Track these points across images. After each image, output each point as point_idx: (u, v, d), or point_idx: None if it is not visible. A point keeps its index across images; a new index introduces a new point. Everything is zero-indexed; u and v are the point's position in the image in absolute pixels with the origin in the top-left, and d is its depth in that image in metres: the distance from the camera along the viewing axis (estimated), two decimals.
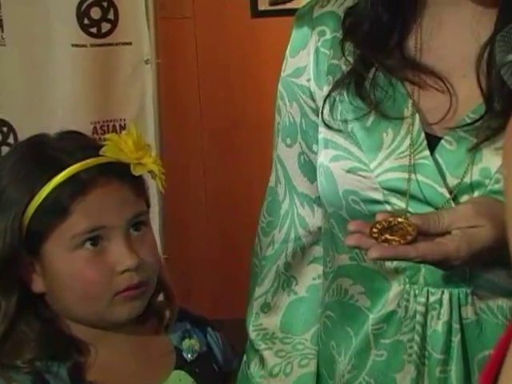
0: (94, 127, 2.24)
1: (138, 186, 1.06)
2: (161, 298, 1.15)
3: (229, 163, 3.00)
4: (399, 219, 0.87)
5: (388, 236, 0.85)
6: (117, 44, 2.21)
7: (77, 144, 1.07)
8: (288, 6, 2.92)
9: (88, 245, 1.02)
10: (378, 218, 0.88)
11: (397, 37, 0.97)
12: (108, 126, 2.24)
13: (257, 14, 2.99)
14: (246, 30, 2.96)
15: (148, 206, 1.10)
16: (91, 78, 2.18)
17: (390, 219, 0.87)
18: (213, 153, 3.01)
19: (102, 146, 1.04)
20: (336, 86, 0.98)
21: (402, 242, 0.84)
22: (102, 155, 1.03)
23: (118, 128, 2.26)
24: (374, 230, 0.86)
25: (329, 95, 0.99)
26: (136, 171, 1.04)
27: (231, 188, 2.99)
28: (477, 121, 0.91)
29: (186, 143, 2.97)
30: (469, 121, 0.92)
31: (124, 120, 2.25)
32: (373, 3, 0.96)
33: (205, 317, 1.21)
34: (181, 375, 1.10)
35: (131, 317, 1.06)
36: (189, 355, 1.12)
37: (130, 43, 2.22)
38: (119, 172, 1.03)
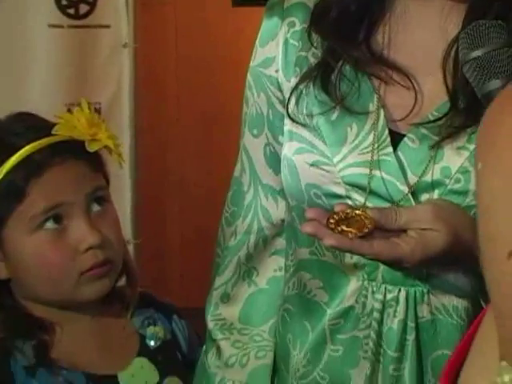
0: (68, 109, 2.22)
1: (94, 161, 1.06)
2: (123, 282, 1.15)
3: (206, 151, 3.00)
4: (357, 211, 0.87)
5: (344, 227, 0.85)
6: (95, 26, 2.19)
7: (28, 125, 1.06)
8: None
9: (48, 225, 1.01)
10: (336, 209, 0.88)
11: (365, 30, 0.97)
12: (91, 107, 2.23)
13: (238, 2, 2.98)
14: (226, 18, 2.95)
15: (107, 182, 1.10)
16: (67, 59, 2.16)
17: (348, 211, 0.87)
18: (190, 140, 3.00)
19: (55, 125, 1.04)
20: (303, 78, 0.98)
21: (358, 234, 0.84)
22: (54, 134, 1.02)
23: (92, 111, 2.24)
24: (331, 220, 0.86)
25: (295, 88, 0.98)
26: (91, 147, 1.03)
27: (207, 179, 2.99)
28: (440, 119, 0.91)
29: (163, 129, 2.96)
30: (432, 118, 0.92)
31: (99, 103, 2.23)
32: None
33: (171, 304, 1.20)
34: (143, 362, 1.09)
35: (100, 296, 1.05)
36: (152, 342, 1.11)
37: (108, 26, 2.20)
38: (74, 150, 1.03)
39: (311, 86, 0.97)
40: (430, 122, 0.92)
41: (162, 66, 2.92)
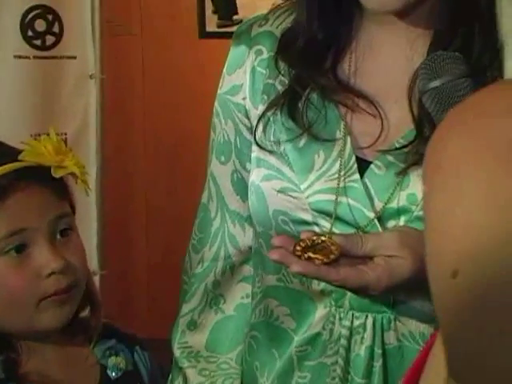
0: (34, 139, 2.22)
1: (60, 189, 1.05)
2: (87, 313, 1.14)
3: (172, 182, 2.99)
4: (323, 238, 0.87)
5: (311, 254, 0.85)
6: (61, 57, 2.19)
7: None
8: (235, 29, 2.94)
9: (12, 252, 1.01)
10: (302, 236, 0.88)
11: (331, 58, 0.98)
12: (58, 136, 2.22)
13: (204, 34, 3.00)
14: (192, 50, 2.97)
15: (73, 210, 1.09)
16: (33, 90, 2.16)
17: (314, 238, 0.87)
18: (156, 171, 3.00)
19: (21, 151, 1.03)
20: (270, 106, 0.99)
21: (324, 260, 0.85)
22: (20, 160, 1.02)
23: None
24: (298, 247, 0.86)
25: (263, 115, 0.99)
26: (56, 173, 1.02)
27: (174, 207, 2.98)
28: (405, 146, 0.92)
29: (130, 160, 2.95)
30: (398, 146, 0.93)
31: (65, 134, 2.23)
32: (309, 19, 0.96)
33: (134, 335, 1.19)
34: None
35: (60, 323, 1.04)
36: (113, 373, 1.10)
37: (74, 57, 2.20)
38: (39, 176, 1.02)
39: (278, 113, 0.98)
40: (396, 149, 0.93)
41: (129, 97, 2.93)
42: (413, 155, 0.91)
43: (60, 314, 1.03)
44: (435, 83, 0.84)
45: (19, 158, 1.02)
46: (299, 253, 0.86)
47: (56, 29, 2.14)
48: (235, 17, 3.02)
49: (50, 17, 2.13)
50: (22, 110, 2.13)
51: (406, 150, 0.93)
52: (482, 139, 0.42)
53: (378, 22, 0.96)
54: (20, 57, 2.10)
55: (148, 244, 3.00)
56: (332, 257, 0.85)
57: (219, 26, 3.02)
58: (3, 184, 1.00)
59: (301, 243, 0.87)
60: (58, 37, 2.15)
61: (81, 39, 2.20)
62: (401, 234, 0.88)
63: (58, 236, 1.04)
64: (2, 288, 1.00)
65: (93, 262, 2.22)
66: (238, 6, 3.02)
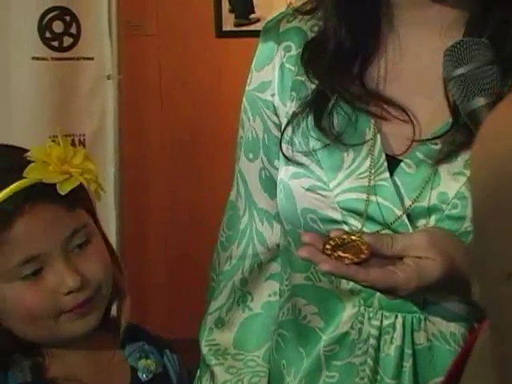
0: (53, 141, 2.22)
1: (69, 200, 1.01)
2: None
3: (189, 180, 2.99)
4: (353, 237, 0.86)
5: (341, 253, 0.84)
6: (78, 58, 2.19)
7: None
8: (252, 27, 2.94)
9: (28, 275, 0.99)
10: (332, 234, 0.87)
11: (359, 65, 0.96)
12: (66, 140, 2.22)
13: (221, 34, 3.00)
14: (209, 49, 2.96)
15: (92, 212, 1.06)
16: (51, 91, 2.16)
17: (344, 236, 0.86)
18: (174, 170, 2.99)
19: (26, 162, 0.99)
20: (299, 110, 0.97)
21: (354, 260, 0.83)
22: (24, 177, 0.97)
23: (76, 143, 2.24)
24: (327, 246, 0.85)
25: (292, 118, 0.97)
26: (62, 190, 0.98)
27: (192, 205, 2.98)
28: (439, 137, 0.91)
29: (147, 160, 2.95)
30: (431, 146, 0.92)
31: (84, 135, 2.23)
32: (337, 25, 0.95)
33: (164, 338, 1.18)
34: None
35: (86, 331, 1.03)
36: (144, 375, 1.09)
37: (91, 58, 2.20)
38: (45, 193, 0.98)
39: (305, 123, 0.97)
40: (429, 139, 0.91)
41: (146, 97, 2.93)
42: (447, 146, 0.90)
43: (83, 324, 1.02)
44: (460, 70, 0.82)
45: (23, 174, 0.97)
46: (329, 251, 0.85)
47: (73, 30, 2.13)
48: (252, 15, 3.01)
49: (67, 18, 2.12)
50: (40, 111, 2.13)
51: (439, 141, 0.91)
52: None
53: (407, 19, 0.95)
54: (38, 58, 2.10)
55: (166, 244, 3.00)
56: (362, 256, 0.84)
57: (236, 25, 3.01)
58: (9, 209, 0.96)
59: (330, 242, 0.86)
60: (76, 38, 2.14)
61: (98, 40, 2.20)
62: (430, 235, 0.87)
63: (76, 249, 1.01)
64: (19, 307, 0.99)
65: None
66: (254, 4, 3.02)
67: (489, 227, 0.41)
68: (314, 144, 0.96)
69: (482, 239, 0.43)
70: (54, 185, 0.98)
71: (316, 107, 0.96)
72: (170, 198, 3.03)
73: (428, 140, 0.92)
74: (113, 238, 2.30)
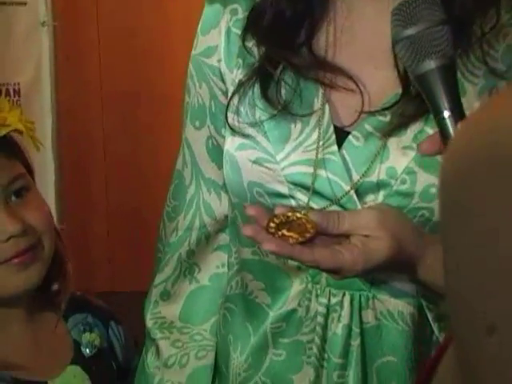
0: None
1: (8, 149, 1.00)
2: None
3: (130, 129, 2.92)
4: (298, 214, 0.82)
5: (285, 232, 0.81)
6: (11, 3, 2.10)
7: None
8: None
9: None
10: (277, 211, 0.83)
11: (304, 34, 0.92)
12: (0, 90, 2.14)
13: None
14: None
15: (29, 168, 1.04)
16: None
17: (289, 214, 0.83)
18: (113, 120, 2.92)
19: None
20: (239, 86, 0.94)
21: (299, 239, 0.80)
22: None
23: (11, 92, 2.17)
24: (272, 224, 0.81)
25: (237, 89, 0.94)
26: None
27: (132, 157, 2.92)
28: (388, 108, 0.88)
29: (86, 110, 2.87)
30: (380, 118, 0.89)
31: (18, 84, 2.15)
32: None
33: (108, 308, 1.15)
34: (76, 371, 1.05)
35: (29, 285, 1.00)
36: (87, 350, 1.07)
37: (24, 3, 2.12)
38: None
39: (250, 93, 0.93)
40: (377, 111, 0.88)
41: (83, 44, 2.82)
42: (396, 118, 0.87)
43: (25, 277, 0.99)
44: (409, 31, 0.77)
45: None
46: (273, 229, 0.81)
47: None
48: None
49: None
50: None
51: (388, 113, 0.88)
52: None
53: None
54: None
55: (107, 194, 2.95)
56: (307, 235, 0.81)
57: None
58: None
59: (275, 219, 0.82)
60: None
61: None
62: (378, 213, 0.83)
63: (14, 198, 0.99)
64: None
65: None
66: None
67: (464, 278, 0.38)
68: (260, 114, 0.92)
69: (455, 291, 0.39)
70: None
71: (262, 76, 0.92)
72: (110, 146, 2.96)
73: (377, 112, 0.89)
74: (51, 192, 2.25)
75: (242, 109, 0.94)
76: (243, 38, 0.94)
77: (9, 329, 1.02)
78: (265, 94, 0.92)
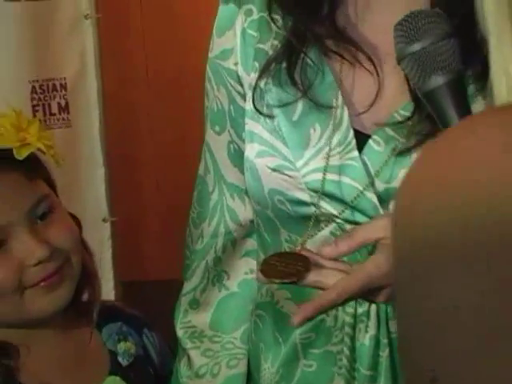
0: (33, 86, 2.15)
1: (29, 169, 0.97)
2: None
3: (177, 118, 2.91)
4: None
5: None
6: None
7: None
8: None
9: None
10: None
11: (327, 5, 0.89)
12: (48, 85, 2.14)
13: None
14: None
15: (51, 185, 1.02)
16: (27, 34, 2.07)
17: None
18: (159, 110, 2.91)
19: None
20: (262, 74, 0.91)
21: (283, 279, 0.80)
22: None
23: (58, 87, 2.17)
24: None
25: (255, 86, 0.91)
26: (20, 155, 0.94)
27: (180, 147, 2.91)
28: (405, 121, 0.85)
29: (132, 101, 2.87)
30: (399, 118, 0.86)
31: (65, 78, 2.15)
32: None
33: (141, 315, 1.14)
34: (116, 381, 1.04)
35: (58, 307, 0.99)
36: (124, 359, 1.06)
37: None
38: (2, 162, 0.95)
39: (271, 81, 0.90)
40: (396, 123, 0.85)
41: (127, 35, 2.81)
42: (415, 135, 0.83)
43: (52, 299, 0.97)
44: (414, 47, 0.75)
45: None
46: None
47: None
48: None
49: None
50: (18, 56, 2.04)
51: (404, 124, 0.85)
52: None
53: None
54: (10, 0, 2.01)
55: (158, 186, 2.95)
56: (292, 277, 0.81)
57: None
58: None
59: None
60: None
61: None
62: (385, 217, 0.81)
63: (39, 221, 0.97)
64: None
65: (102, 210, 2.19)
66: None
67: (406, 329, 0.37)
68: (278, 120, 0.90)
69: (403, 341, 0.38)
70: (12, 154, 0.94)
71: (287, 58, 0.90)
72: (159, 136, 2.95)
73: (395, 124, 0.85)
74: (101, 184, 2.25)
75: (260, 115, 0.92)
76: (269, 10, 0.91)
77: (44, 348, 1.01)
78: (288, 75, 0.89)
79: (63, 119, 2.14)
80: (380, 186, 0.86)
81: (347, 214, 0.87)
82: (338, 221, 0.87)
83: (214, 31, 0.97)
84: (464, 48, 0.75)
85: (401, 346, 0.39)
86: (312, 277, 0.79)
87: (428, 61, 0.74)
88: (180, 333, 1.06)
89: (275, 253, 0.82)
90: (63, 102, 2.13)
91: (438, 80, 0.73)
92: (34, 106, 2.08)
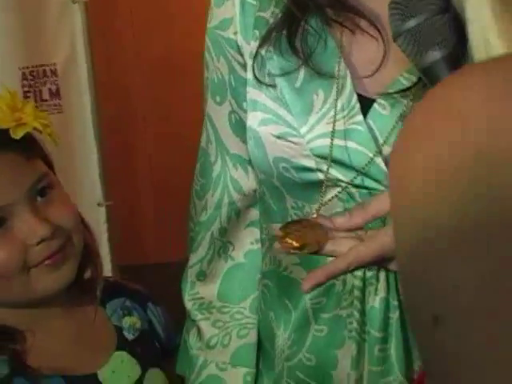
0: (23, 73, 2.14)
1: (26, 149, 0.97)
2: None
3: (168, 99, 2.91)
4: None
5: (288, 240, 0.79)
6: None
7: None
8: None
9: None
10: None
11: None
12: (38, 71, 2.14)
13: None
14: None
15: (49, 164, 1.02)
16: (15, 22, 2.06)
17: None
18: (153, 89, 2.91)
19: None
20: (263, 42, 0.91)
21: (297, 246, 0.79)
22: None
23: (48, 73, 2.16)
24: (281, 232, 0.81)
25: (256, 54, 0.91)
26: (16, 134, 0.94)
27: (174, 127, 2.91)
28: (408, 88, 0.85)
29: (124, 84, 2.86)
30: (404, 82, 0.86)
31: (55, 64, 2.14)
32: None
33: (145, 290, 1.15)
34: (123, 356, 1.04)
35: (63, 285, 0.99)
36: (130, 334, 1.06)
37: None
38: (1, 141, 0.94)
39: (272, 49, 0.90)
40: (401, 90, 0.86)
41: (116, 17, 2.81)
42: (420, 99, 0.83)
43: (57, 277, 0.98)
44: (409, 24, 0.75)
45: None
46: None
47: None
48: None
49: None
50: (6, 44, 2.03)
51: (414, 77, 0.85)
52: None
53: None
54: None
55: (151, 168, 2.95)
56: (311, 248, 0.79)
57: None
58: None
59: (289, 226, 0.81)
60: None
61: None
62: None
63: (39, 198, 0.97)
64: None
65: (97, 194, 2.18)
66: None
67: (410, 270, 0.38)
68: (281, 87, 0.89)
69: (405, 282, 0.40)
70: (8, 135, 0.94)
71: (288, 26, 0.89)
72: (151, 116, 2.95)
73: (401, 91, 0.85)
74: (95, 169, 2.25)
75: (262, 84, 0.91)
76: None
77: (49, 327, 1.01)
78: (290, 43, 0.89)
79: (55, 105, 2.13)
80: (387, 150, 0.86)
81: (359, 180, 0.87)
82: (349, 187, 0.87)
83: (213, 2, 0.97)
84: (459, 22, 0.76)
85: (402, 284, 0.40)
86: (329, 246, 0.79)
87: (424, 37, 0.74)
88: (189, 304, 1.06)
89: (288, 222, 0.82)
90: (54, 88, 2.12)
91: (434, 55, 0.74)
92: (25, 93, 2.08)
